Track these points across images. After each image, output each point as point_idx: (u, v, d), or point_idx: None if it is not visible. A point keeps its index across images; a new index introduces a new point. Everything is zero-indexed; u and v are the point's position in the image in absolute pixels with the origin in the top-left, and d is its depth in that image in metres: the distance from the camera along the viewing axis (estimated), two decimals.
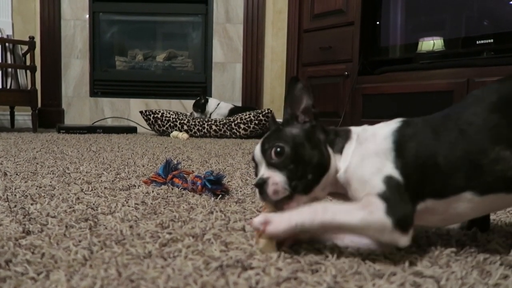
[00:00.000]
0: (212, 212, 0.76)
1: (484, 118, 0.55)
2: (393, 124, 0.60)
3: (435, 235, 0.64)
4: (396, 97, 2.64)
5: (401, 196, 0.53)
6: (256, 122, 2.77)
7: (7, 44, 2.81)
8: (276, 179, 0.58)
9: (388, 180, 0.53)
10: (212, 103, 3.24)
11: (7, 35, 2.93)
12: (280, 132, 0.62)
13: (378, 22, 2.86)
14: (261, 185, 0.58)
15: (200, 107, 3.19)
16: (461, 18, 2.51)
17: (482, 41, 2.33)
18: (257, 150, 0.62)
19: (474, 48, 2.38)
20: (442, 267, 0.51)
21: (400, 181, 0.53)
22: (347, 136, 0.61)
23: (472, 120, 0.55)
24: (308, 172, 0.58)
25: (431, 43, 2.60)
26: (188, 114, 3.08)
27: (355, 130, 0.62)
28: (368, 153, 0.57)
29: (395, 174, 0.54)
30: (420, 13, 2.71)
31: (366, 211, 0.51)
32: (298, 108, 0.62)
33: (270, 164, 0.59)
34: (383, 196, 0.52)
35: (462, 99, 0.62)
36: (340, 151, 0.60)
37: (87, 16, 3.61)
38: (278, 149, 0.58)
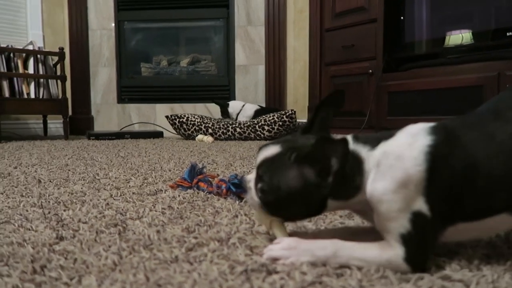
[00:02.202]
0: (237, 216, 0.77)
1: None
2: (422, 139, 0.49)
3: None
4: (423, 94, 2.57)
5: (426, 236, 0.49)
6: (280, 123, 2.77)
7: (38, 55, 2.93)
8: (252, 199, 0.56)
9: (416, 218, 0.48)
10: (235, 105, 3.25)
11: (39, 47, 3.05)
12: (283, 164, 0.52)
13: (402, 17, 2.81)
14: (244, 189, 0.59)
15: (225, 113, 3.23)
16: (490, 9, 2.42)
17: None
18: (259, 156, 0.55)
19: (504, 40, 2.30)
20: (472, 270, 0.50)
21: (429, 217, 0.48)
22: (362, 176, 0.51)
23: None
24: (285, 216, 0.57)
25: (459, 37, 2.53)
26: (214, 118, 3.10)
27: (370, 157, 0.51)
28: (395, 185, 0.48)
29: (425, 209, 0.48)
30: (446, 6, 2.64)
31: (383, 259, 0.49)
32: (326, 159, 0.50)
33: (256, 188, 0.55)
34: (406, 238, 0.48)
35: (493, 99, 0.55)
36: (352, 196, 0.52)
37: (113, 25, 3.71)
38: (264, 188, 0.53)
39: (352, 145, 0.52)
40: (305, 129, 0.57)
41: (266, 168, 0.54)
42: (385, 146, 0.51)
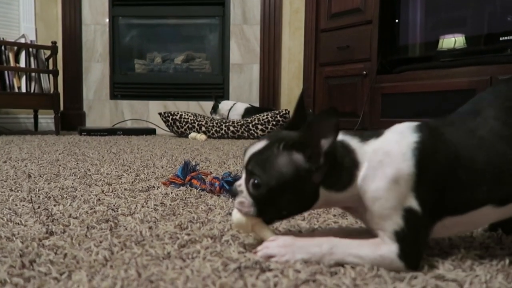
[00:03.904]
0: (230, 213, 0.76)
1: (503, 124, 0.51)
2: (409, 137, 0.51)
3: (458, 238, 0.62)
4: (416, 96, 2.59)
5: (418, 232, 0.50)
6: (274, 123, 2.77)
7: (30, 49, 2.89)
8: (244, 200, 0.54)
9: (408, 215, 0.49)
10: (225, 104, 3.29)
11: (31, 41, 3.01)
12: (272, 154, 0.52)
13: (397, 20, 2.82)
14: (234, 194, 0.56)
15: (213, 108, 3.30)
16: (483, 14, 2.45)
17: (505, 38, 2.27)
18: (246, 154, 0.55)
19: (497, 45, 2.32)
20: (465, 270, 0.50)
21: (420, 212, 0.49)
22: (354, 169, 0.51)
23: (491, 127, 0.52)
24: (281, 210, 0.54)
25: (452, 41, 2.55)
26: (207, 116, 3.12)
27: (361, 149, 0.52)
28: (387, 182, 0.49)
29: (415, 205, 0.49)
30: (440, 10, 2.66)
31: (377, 255, 0.49)
32: (315, 141, 0.50)
33: (247, 190, 0.54)
34: (399, 235, 0.49)
35: (473, 99, 0.57)
36: (343, 187, 0.52)
37: (107, 20, 3.68)
38: (256, 182, 0.52)
39: (342, 136, 0.53)
40: (288, 126, 0.57)
41: (255, 162, 0.53)
42: (375, 143, 0.52)
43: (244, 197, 0.54)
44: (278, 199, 0.53)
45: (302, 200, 0.53)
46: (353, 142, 0.53)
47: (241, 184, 0.56)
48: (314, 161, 0.51)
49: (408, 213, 0.49)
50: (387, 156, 0.50)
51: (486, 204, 0.51)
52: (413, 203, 0.49)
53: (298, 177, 0.51)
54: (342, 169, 0.51)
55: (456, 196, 0.50)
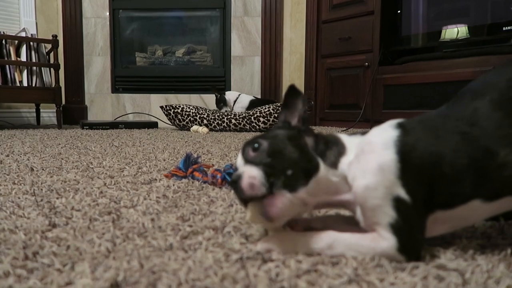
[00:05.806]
0: (232, 205, 0.76)
1: (486, 118, 0.51)
2: (390, 131, 0.53)
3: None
4: (419, 87, 2.58)
5: (412, 222, 0.50)
6: (276, 115, 2.76)
7: (31, 43, 2.89)
8: (253, 172, 0.50)
9: (398, 204, 0.49)
10: (230, 95, 3.26)
11: (31, 34, 3.00)
12: (263, 134, 0.56)
13: (399, 11, 2.80)
14: (236, 181, 0.50)
15: (221, 101, 3.24)
16: (486, 4, 2.42)
17: (508, 28, 2.25)
18: (239, 156, 0.55)
19: (500, 35, 2.30)
20: (467, 260, 0.50)
21: (409, 202, 0.49)
22: (341, 150, 0.55)
23: (474, 121, 0.51)
24: (287, 167, 0.50)
25: (454, 31, 2.53)
26: (209, 109, 3.10)
27: (347, 140, 0.56)
28: (371, 169, 0.50)
29: (403, 194, 0.49)
30: (443, 0, 2.63)
31: (378, 251, 0.49)
32: (291, 114, 0.58)
33: (247, 161, 0.52)
34: (395, 227, 0.49)
35: (457, 94, 0.57)
36: (333, 165, 0.54)
37: (107, 13, 3.66)
38: (255, 145, 0.53)
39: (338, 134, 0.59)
40: None
41: (250, 141, 0.55)
42: (361, 137, 0.56)
43: (251, 175, 0.50)
44: (279, 147, 0.52)
45: (300, 151, 0.52)
46: (342, 136, 0.58)
47: (239, 171, 0.52)
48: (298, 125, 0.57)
49: (398, 202, 0.49)
50: (369, 145, 0.53)
51: (473, 198, 0.50)
52: (401, 192, 0.49)
53: (289, 133, 0.55)
54: (329, 144, 0.56)
55: (443, 190, 0.51)
